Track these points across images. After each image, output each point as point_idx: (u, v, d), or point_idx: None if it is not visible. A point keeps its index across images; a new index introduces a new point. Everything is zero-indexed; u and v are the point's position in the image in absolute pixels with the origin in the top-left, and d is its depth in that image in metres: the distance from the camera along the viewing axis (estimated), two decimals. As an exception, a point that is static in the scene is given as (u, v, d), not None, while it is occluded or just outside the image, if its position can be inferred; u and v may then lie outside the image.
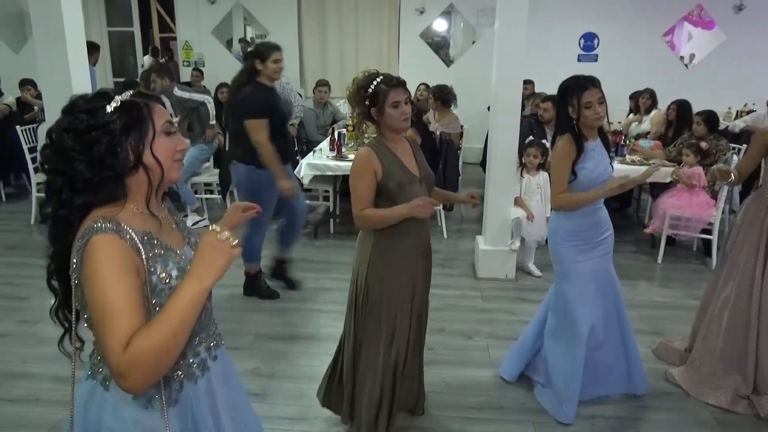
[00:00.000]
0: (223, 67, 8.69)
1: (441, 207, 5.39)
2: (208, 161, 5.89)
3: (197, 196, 5.78)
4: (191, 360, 1.37)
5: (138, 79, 6.85)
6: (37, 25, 4.05)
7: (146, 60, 9.05)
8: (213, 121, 5.51)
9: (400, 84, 2.27)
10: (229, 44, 9.36)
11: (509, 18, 4.03)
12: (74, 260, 1.20)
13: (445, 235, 5.43)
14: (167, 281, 1.25)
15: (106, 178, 1.22)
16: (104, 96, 1.25)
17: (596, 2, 8.08)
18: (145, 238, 1.24)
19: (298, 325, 3.73)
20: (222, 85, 6.56)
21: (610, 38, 8.18)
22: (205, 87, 7.04)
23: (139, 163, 1.24)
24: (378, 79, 2.26)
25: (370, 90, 2.25)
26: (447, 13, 8.63)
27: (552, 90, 3.54)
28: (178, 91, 5.43)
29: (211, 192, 5.98)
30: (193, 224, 5.61)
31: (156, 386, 1.30)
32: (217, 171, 5.87)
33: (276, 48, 3.73)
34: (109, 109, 1.22)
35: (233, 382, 1.54)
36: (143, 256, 1.22)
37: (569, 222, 2.71)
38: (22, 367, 3.19)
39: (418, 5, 8.44)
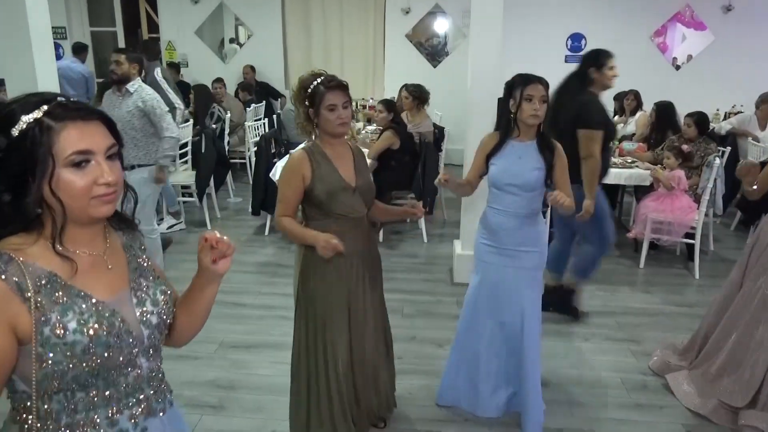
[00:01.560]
0: (206, 68, 8.63)
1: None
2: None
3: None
4: (105, 429, 1.15)
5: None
6: (1, 23, 3.94)
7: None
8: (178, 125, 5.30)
9: (340, 86, 2.16)
10: (221, 45, 9.26)
11: (484, 19, 3.93)
12: None
13: (425, 239, 5.32)
14: (61, 335, 1.05)
15: (10, 211, 1.07)
16: (20, 108, 1.06)
17: (584, 2, 8.00)
18: (44, 281, 1.06)
19: (263, 333, 3.61)
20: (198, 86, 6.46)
21: (597, 39, 8.01)
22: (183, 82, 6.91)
23: (41, 199, 1.07)
24: (318, 80, 2.15)
25: (309, 90, 2.15)
26: (433, 13, 8.53)
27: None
28: (158, 75, 5.20)
29: (190, 195, 5.85)
30: (168, 227, 5.50)
31: None
32: (194, 173, 5.75)
33: (611, 55, 3.57)
34: (14, 132, 1.04)
35: None
36: (32, 304, 1.04)
37: (486, 218, 2.67)
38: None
39: (403, 5, 8.35)
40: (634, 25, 7.96)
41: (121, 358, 1.14)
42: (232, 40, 9.43)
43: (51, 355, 1.05)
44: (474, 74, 4.05)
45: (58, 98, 1.10)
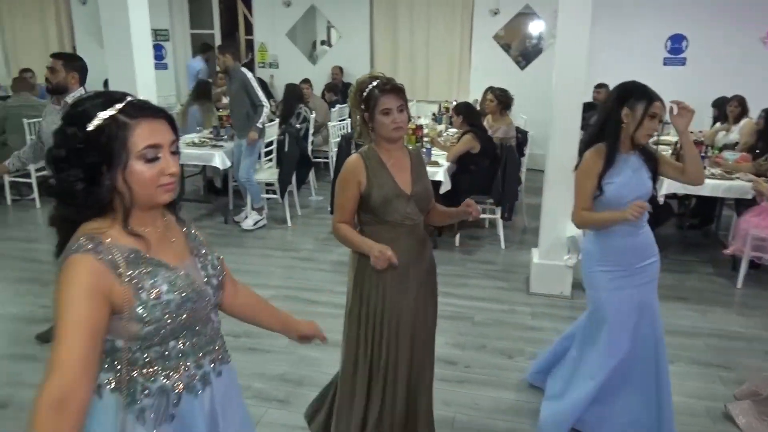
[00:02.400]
0: (295, 69, 8.87)
1: (500, 216, 5.17)
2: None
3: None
4: (193, 372, 1.34)
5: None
6: (106, 27, 4.24)
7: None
8: (260, 126, 5.34)
9: (395, 90, 2.09)
10: (312, 47, 9.52)
11: (571, 18, 3.80)
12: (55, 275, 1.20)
13: (503, 246, 5.19)
14: (157, 296, 1.23)
15: (85, 198, 1.21)
16: (95, 106, 1.20)
17: (685, 2, 7.51)
18: (131, 255, 1.22)
19: (335, 331, 3.54)
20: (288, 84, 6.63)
21: (700, 40, 7.58)
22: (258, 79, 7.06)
23: (113, 187, 1.20)
24: (373, 83, 2.09)
25: (364, 93, 2.10)
26: (523, 14, 8.32)
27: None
28: (247, 72, 5.27)
29: (273, 192, 6.03)
30: (254, 224, 5.63)
31: (149, 397, 1.27)
32: (277, 171, 5.91)
33: None
34: (90, 127, 1.17)
35: (236, 402, 1.49)
36: (125, 276, 1.19)
37: (606, 243, 2.46)
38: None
39: (492, 6, 8.20)
40: (743, 25, 7.37)
41: (201, 313, 1.34)
42: (323, 42, 9.66)
43: (151, 315, 1.22)
44: (559, 76, 3.90)
45: (128, 98, 1.22)
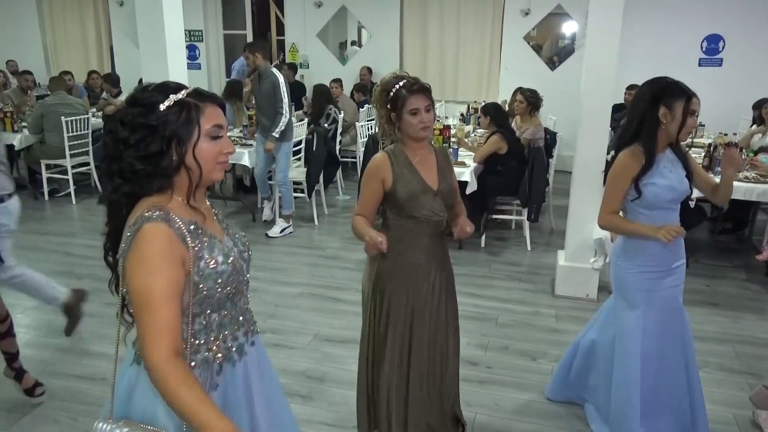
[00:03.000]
0: (325, 69, 8.95)
1: (526, 217, 5.13)
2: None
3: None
4: (230, 344, 1.42)
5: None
6: (141, 28, 4.35)
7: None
8: (276, 135, 5.20)
9: (422, 90, 2.12)
10: (341, 47, 9.56)
11: (601, 18, 3.73)
12: (123, 245, 1.28)
13: (529, 247, 5.15)
14: (214, 266, 1.33)
15: (152, 172, 1.30)
16: (163, 90, 1.31)
17: (722, 1, 7.34)
18: (192, 227, 1.32)
19: (358, 329, 3.61)
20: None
21: (737, 41, 7.39)
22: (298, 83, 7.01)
23: (181, 163, 1.31)
24: (400, 83, 2.12)
25: (391, 93, 2.13)
26: (555, 15, 8.23)
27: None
28: (279, 76, 5.21)
29: (302, 191, 6.09)
30: (281, 231, 5.49)
31: (195, 369, 1.35)
32: (305, 170, 5.96)
33: None
34: (162, 107, 1.28)
35: (267, 368, 1.58)
36: (190, 245, 1.29)
37: (641, 243, 2.40)
38: (96, 346, 3.42)
39: (523, 6, 8.13)
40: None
41: (240, 286, 1.43)
42: (353, 43, 9.70)
43: (205, 283, 1.32)
44: (588, 78, 3.85)
45: (188, 87, 1.36)
